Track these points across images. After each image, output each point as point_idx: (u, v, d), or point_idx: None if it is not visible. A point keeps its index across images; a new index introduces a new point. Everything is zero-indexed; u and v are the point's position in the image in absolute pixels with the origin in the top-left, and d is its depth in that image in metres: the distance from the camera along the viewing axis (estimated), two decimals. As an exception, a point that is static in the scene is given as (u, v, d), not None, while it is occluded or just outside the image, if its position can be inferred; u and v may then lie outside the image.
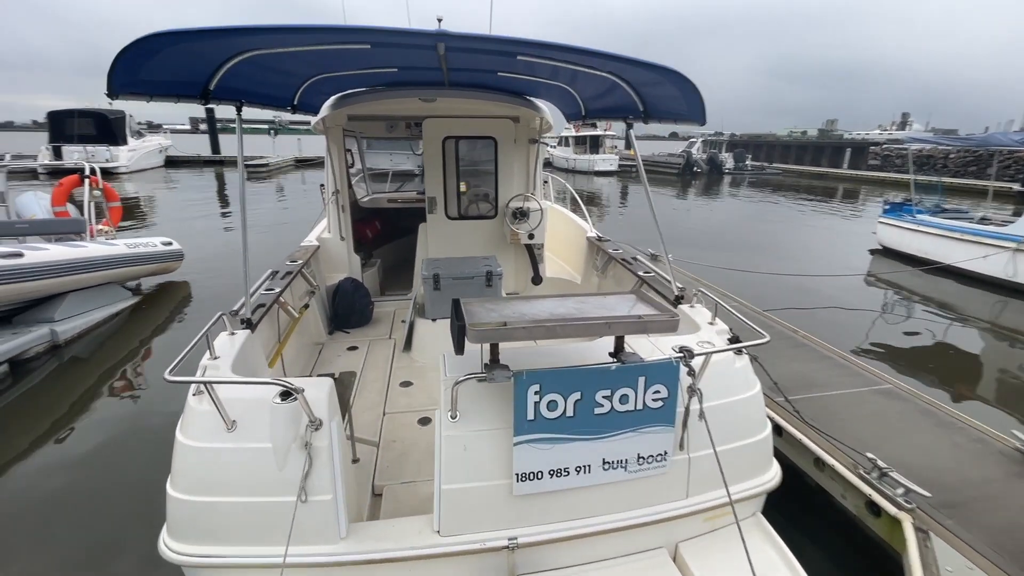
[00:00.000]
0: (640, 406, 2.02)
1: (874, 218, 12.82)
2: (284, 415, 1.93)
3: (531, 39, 2.04)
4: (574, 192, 6.07)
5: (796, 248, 13.10)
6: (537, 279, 5.48)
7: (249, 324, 2.79)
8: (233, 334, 2.68)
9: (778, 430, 3.43)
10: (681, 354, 2.05)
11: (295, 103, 3.72)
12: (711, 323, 2.82)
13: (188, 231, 12.57)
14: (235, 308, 2.90)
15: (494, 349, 1.99)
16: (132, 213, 15.43)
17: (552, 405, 1.93)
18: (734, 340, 2.58)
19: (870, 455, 2.86)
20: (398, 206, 7.03)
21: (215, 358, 2.37)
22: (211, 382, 1.90)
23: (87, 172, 7.06)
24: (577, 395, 1.94)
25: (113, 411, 4.73)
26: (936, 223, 10.29)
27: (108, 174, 24.02)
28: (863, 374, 4.05)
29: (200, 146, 36.13)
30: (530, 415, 1.92)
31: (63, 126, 23.95)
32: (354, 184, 6.83)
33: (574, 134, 35.75)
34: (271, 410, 1.92)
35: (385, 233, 6.91)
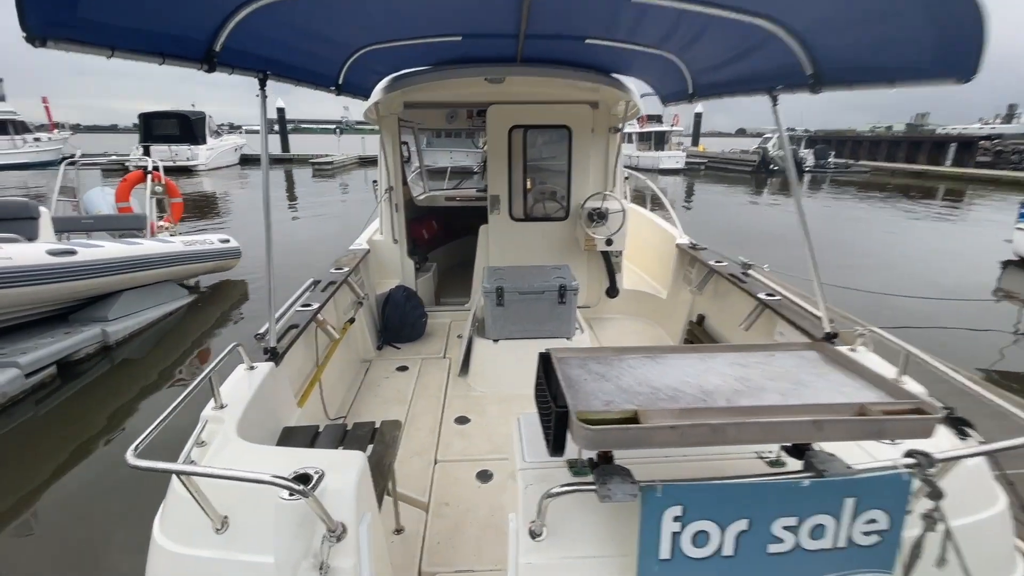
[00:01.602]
0: (843, 542, 1.23)
1: (992, 223, 10.93)
2: (291, 517, 1.31)
3: None
4: (656, 190, 5.22)
5: (900, 257, 11.38)
6: (613, 291, 4.70)
7: (274, 355, 2.24)
8: (253, 368, 2.13)
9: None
10: (915, 459, 1.24)
11: (340, 82, 3.16)
12: (898, 382, 1.96)
13: (254, 226, 12.71)
14: (261, 331, 2.36)
15: None
16: (207, 208, 15.95)
17: (701, 538, 1.18)
18: (954, 418, 1.72)
19: None
20: (457, 204, 6.46)
21: (220, 407, 1.82)
22: (184, 472, 1.31)
23: (150, 168, 7.01)
24: (743, 523, 1.18)
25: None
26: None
27: (188, 171, 25.61)
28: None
29: (272, 145, 37.78)
30: (664, 551, 1.19)
31: (152, 127, 25.66)
32: (410, 181, 6.34)
33: (638, 130, 34.17)
34: (276, 509, 1.31)
35: (442, 233, 6.36)
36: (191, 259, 6.48)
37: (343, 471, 1.42)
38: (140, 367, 5.26)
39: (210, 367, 1.79)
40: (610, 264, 4.59)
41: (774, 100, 2.27)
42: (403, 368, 3.87)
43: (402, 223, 4.71)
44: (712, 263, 3.77)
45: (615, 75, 3.87)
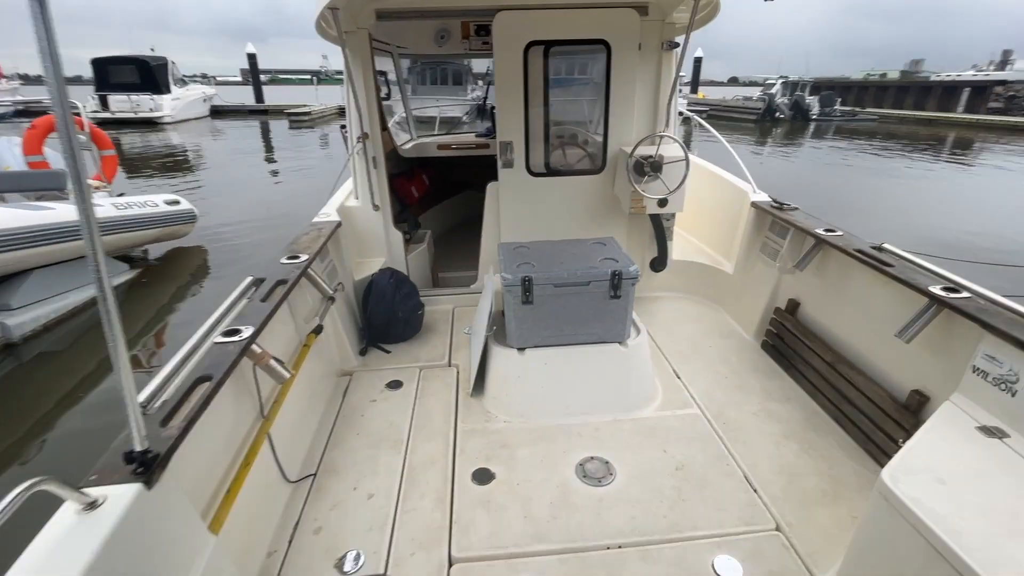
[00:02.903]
0: None
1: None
2: None
3: None
4: (718, 134, 4.00)
5: (975, 216, 10.05)
6: (661, 263, 3.64)
7: (146, 464, 1.18)
8: (93, 507, 1.08)
9: None
10: None
11: None
12: None
13: (231, 185, 11.28)
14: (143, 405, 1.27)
15: None
16: (176, 165, 14.32)
17: None
18: None
19: None
20: (452, 153, 5.25)
21: None
22: None
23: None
24: None
25: (87, 441, 3.39)
26: None
27: (153, 124, 23.49)
28: None
29: (245, 96, 35.15)
30: None
31: (107, 74, 23.25)
32: (392, 127, 5.10)
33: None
34: None
35: (435, 190, 5.20)
36: (125, 226, 5.24)
37: None
38: (61, 366, 4.18)
39: None
40: (661, 230, 3.50)
41: None
42: (395, 384, 2.82)
43: (384, 183, 3.54)
44: (820, 231, 2.69)
45: None
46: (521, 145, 3.42)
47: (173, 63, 25.36)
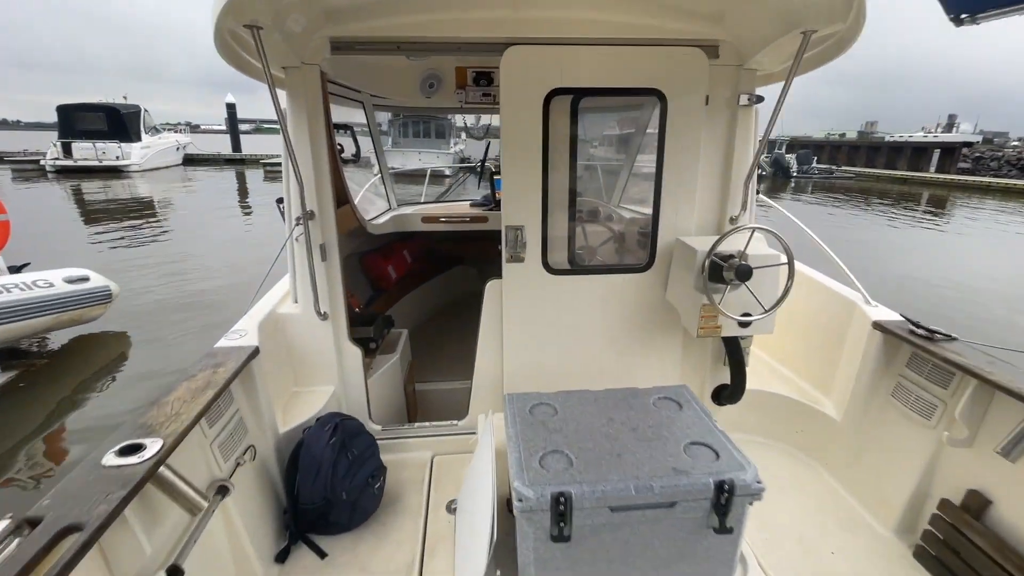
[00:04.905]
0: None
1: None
2: None
3: None
4: (801, 223, 2.94)
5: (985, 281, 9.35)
6: (734, 394, 2.52)
7: None
8: None
9: None
10: None
11: None
12: None
13: (194, 240, 10.05)
14: None
15: None
16: (138, 217, 13.02)
17: None
18: None
19: None
20: (441, 227, 4.20)
21: None
22: None
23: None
24: None
25: None
26: None
27: (118, 172, 22.29)
28: None
29: (223, 145, 34.42)
30: None
31: (73, 121, 22.25)
32: (367, 193, 4.07)
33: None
34: None
35: (419, 268, 4.13)
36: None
37: None
38: None
39: None
40: (739, 352, 2.42)
41: None
42: None
43: (336, 280, 2.43)
44: None
45: None
46: (537, 232, 2.37)
47: (146, 111, 24.55)
